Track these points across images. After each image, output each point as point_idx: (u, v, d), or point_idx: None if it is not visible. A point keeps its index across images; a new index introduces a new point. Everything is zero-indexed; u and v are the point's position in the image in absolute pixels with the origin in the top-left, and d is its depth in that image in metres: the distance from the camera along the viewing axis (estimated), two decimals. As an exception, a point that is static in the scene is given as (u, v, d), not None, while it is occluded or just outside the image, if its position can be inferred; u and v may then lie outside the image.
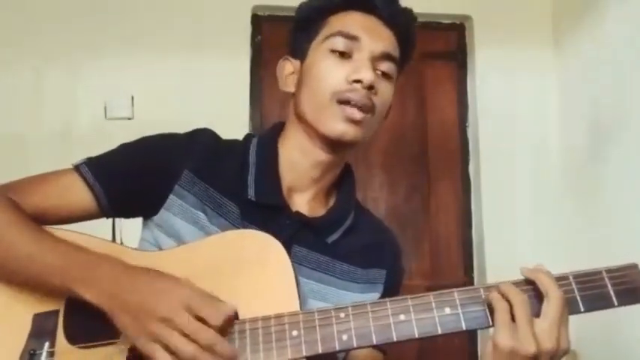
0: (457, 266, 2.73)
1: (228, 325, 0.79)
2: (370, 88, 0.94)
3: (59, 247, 0.86)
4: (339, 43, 0.95)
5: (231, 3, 2.64)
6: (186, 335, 0.75)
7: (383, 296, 1.00)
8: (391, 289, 1.03)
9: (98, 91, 2.49)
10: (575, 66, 2.60)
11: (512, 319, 0.76)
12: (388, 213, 2.69)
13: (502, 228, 2.64)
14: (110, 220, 1.13)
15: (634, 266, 0.80)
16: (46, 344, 0.84)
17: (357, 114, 0.93)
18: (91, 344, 0.82)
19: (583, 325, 2.34)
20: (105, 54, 2.49)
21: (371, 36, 0.96)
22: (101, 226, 1.22)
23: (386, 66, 0.97)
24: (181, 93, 2.51)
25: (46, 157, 2.33)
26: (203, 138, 1.00)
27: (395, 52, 0.99)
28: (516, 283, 0.80)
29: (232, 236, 0.91)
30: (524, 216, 2.66)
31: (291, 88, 1.01)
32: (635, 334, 2.06)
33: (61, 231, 0.91)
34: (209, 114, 2.29)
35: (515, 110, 2.73)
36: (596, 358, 2.37)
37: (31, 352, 0.84)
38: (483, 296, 0.80)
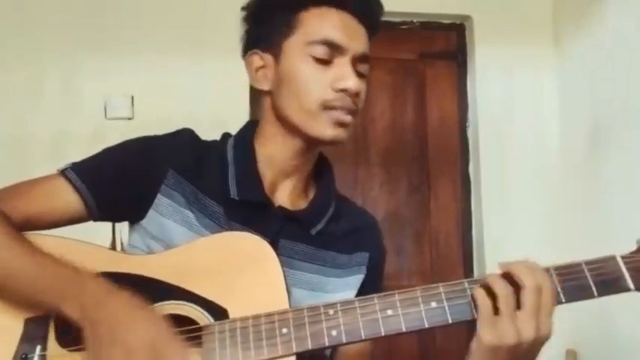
0: (457, 266, 2.73)
1: None
2: (356, 95, 0.95)
3: (43, 263, 0.85)
4: (323, 51, 0.94)
5: (231, 3, 2.63)
6: None
7: (366, 277, 1.04)
8: (374, 270, 1.06)
9: (98, 91, 2.49)
10: (575, 66, 2.60)
11: (497, 312, 0.77)
12: (388, 213, 2.69)
13: (502, 228, 2.64)
14: (109, 224, 1.12)
15: (612, 258, 0.83)
16: (38, 348, 0.84)
17: (347, 118, 0.95)
18: (83, 347, 0.81)
19: (583, 325, 2.36)
20: (105, 54, 2.49)
21: (351, 39, 0.96)
22: (101, 230, 1.23)
23: (364, 67, 0.98)
24: (181, 93, 2.50)
25: (46, 157, 2.36)
26: (185, 138, 1.01)
27: (368, 50, 0.99)
28: (504, 275, 0.81)
29: (223, 239, 0.92)
30: (524, 216, 2.66)
31: (265, 86, 1.00)
32: (634, 333, 2.05)
33: (54, 238, 0.91)
34: (209, 114, 2.32)
35: (515, 110, 2.73)
36: (596, 358, 2.37)
37: (23, 356, 0.84)
38: (468, 290, 0.81)
